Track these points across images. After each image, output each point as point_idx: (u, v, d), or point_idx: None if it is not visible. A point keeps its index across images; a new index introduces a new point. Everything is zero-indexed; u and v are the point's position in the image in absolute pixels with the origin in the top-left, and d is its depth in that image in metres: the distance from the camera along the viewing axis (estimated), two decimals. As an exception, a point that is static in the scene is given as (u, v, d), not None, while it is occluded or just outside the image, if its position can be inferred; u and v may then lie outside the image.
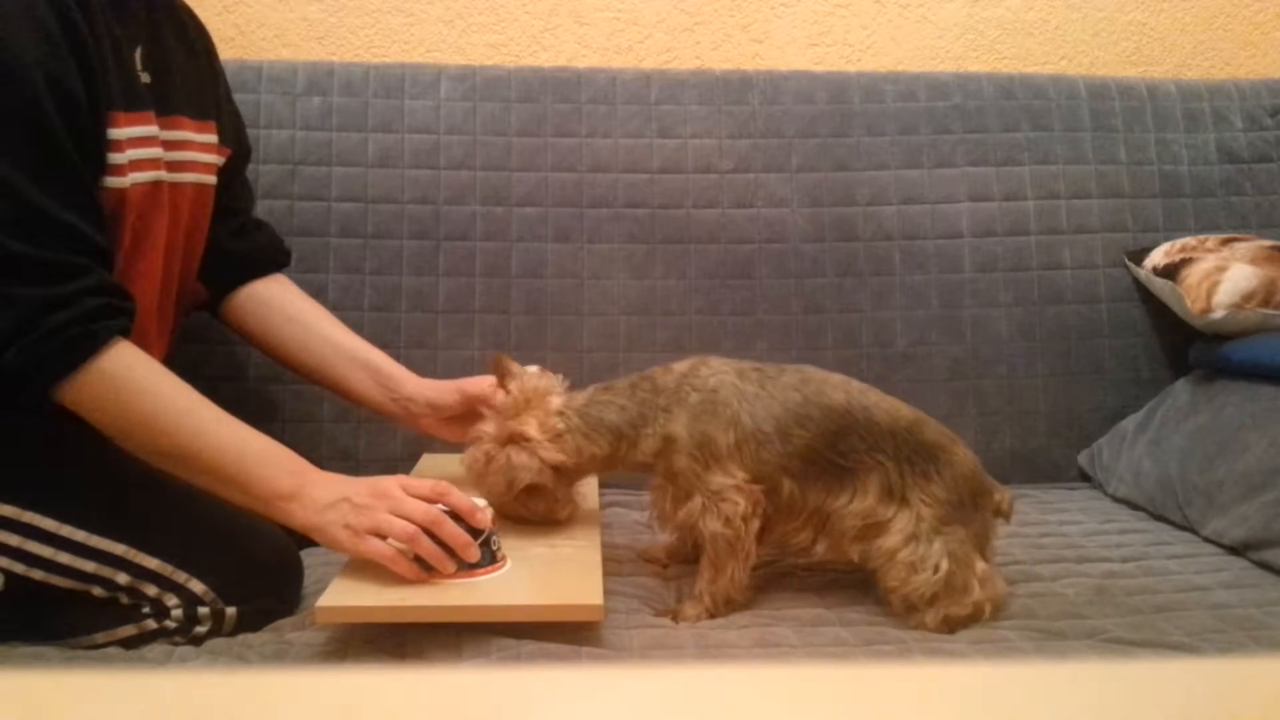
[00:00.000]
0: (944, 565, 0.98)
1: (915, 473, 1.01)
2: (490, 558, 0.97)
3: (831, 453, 1.02)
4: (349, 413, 1.44)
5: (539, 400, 1.06)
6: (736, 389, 1.03)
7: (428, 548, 0.91)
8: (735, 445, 1.02)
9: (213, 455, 0.94)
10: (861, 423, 1.02)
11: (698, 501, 1.03)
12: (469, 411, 1.19)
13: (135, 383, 0.93)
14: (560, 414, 1.05)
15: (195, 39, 1.18)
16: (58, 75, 0.90)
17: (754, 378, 1.05)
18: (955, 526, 1.00)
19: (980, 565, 1.01)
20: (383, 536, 0.91)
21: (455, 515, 0.94)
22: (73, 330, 0.89)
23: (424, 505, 0.92)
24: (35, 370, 0.89)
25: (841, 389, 1.04)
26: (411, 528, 0.91)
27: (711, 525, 1.02)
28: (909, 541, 0.99)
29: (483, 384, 1.20)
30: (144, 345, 1.10)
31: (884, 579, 1.01)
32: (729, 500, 1.01)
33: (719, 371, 1.05)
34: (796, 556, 1.13)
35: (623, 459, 1.06)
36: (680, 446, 1.03)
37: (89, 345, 0.90)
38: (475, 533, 0.95)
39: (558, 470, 1.05)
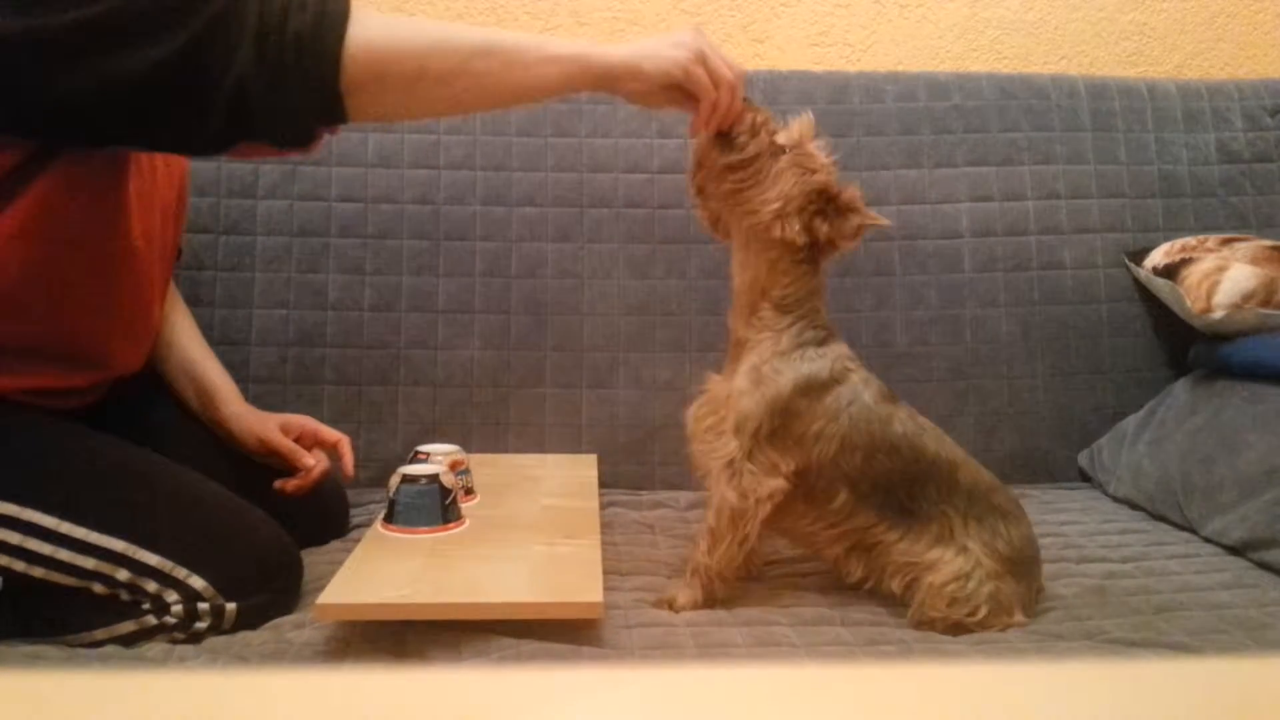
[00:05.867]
0: (983, 610, 0.99)
1: (982, 527, 1.02)
2: (456, 515, 1.10)
3: (903, 492, 1.03)
4: (349, 412, 1.44)
5: None
6: (856, 391, 1.04)
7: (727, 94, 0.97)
8: (814, 436, 1.02)
9: (523, 43, 0.92)
10: (943, 476, 1.04)
11: (719, 462, 1.03)
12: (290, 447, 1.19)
13: (401, 20, 0.89)
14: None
15: None
16: None
17: (875, 392, 1.05)
18: (1010, 580, 1.01)
19: (1019, 617, 1.01)
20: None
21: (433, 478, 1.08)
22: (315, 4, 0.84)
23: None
24: (316, 38, 0.83)
25: (935, 441, 1.06)
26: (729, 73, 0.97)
27: (725, 491, 1.02)
28: (957, 579, 1.00)
29: (298, 429, 1.21)
30: (144, 281, 1.08)
31: (922, 606, 1.01)
32: (754, 476, 1.02)
33: (856, 369, 1.06)
34: (819, 562, 1.12)
35: (775, 282, 1.05)
36: (768, 390, 1.02)
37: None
38: (444, 492, 1.08)
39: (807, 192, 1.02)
